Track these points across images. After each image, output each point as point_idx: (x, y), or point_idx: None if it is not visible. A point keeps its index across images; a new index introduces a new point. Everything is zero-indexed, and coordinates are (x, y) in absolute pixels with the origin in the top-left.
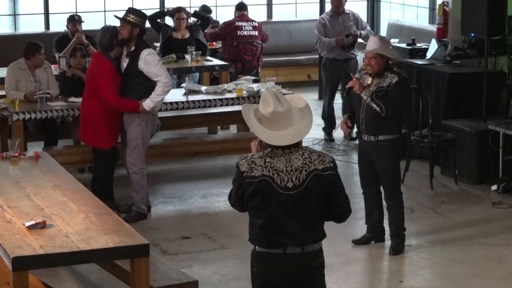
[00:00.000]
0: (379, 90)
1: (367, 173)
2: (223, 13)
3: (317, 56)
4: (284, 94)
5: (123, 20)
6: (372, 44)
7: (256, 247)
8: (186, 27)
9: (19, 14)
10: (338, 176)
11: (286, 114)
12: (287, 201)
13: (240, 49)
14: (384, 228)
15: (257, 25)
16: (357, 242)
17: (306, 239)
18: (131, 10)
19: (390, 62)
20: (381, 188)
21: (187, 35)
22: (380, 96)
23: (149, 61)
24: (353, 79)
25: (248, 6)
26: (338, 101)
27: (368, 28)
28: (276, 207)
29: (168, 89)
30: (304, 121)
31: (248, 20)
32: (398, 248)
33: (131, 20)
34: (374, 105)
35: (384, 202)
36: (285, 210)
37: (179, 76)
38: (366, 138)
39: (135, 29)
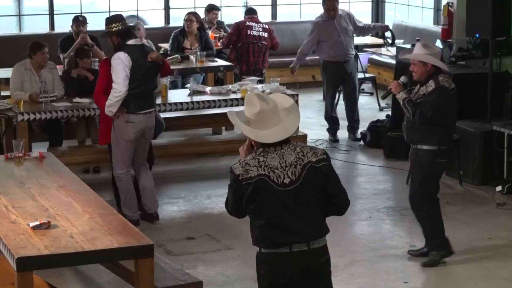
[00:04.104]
0: (417, 98)
1: (413, 183)
2: (228, 13)
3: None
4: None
5: (103, 36)
6: (415, 49)
7: (262, 249)
8: (195, 35)
9: (24, 15)
10: (332, 167)
11: (272, 111)
12: (286, 198)
13: (248, 49)
14: (447, 240)
15: (267, 27)
16: (414, 254)
17: (310, 233)
18: (105, 22)
19: (440, 70)
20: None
21: (196, 44)
22: (413, 101)
23: (112, 66)
24: (393, 81)
25: (252, 8)
26: (340, 101)
27: (363, 23)
28: (276, 205)
29: (116, 95)
30: (291, 117)
31: (258, 22)
32: (430, 259)
33: (107, 31)
34: (405, 110)
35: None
36: (285, 207)
37: (182, 76)
38: (411, 146)
39: (114, 37)
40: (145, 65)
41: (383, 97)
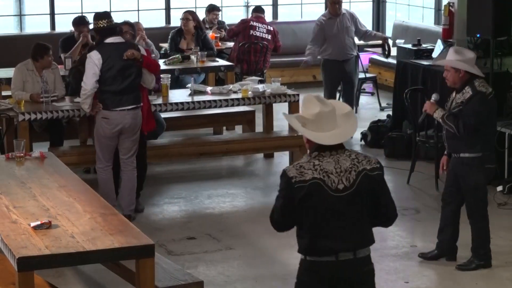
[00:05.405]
0: (455, 106)
1: (449, 186)
2: (229, 14)
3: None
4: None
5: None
6: (448, 55)
7: (307, 256)
8: (192, 34)
9: (25, 15)
10: (384, 177)
11: (331, 114)
12: (339, 203)
13: (249, 48)
14: (456, 247)
15: (271, 29)
16: (424, 257)
17: (357, 242)
18: (93, 17)
19: (475, 76)
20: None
21: (193, 44)
22: (452, 115)
23: (85, 65)
24: (426, 102)
25: (260, 7)
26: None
27: (366, 28)
28: (328, 210)
29: (83, 93)
30: (349, 123)
31: (264, 22)
32: (466, 264)
33: (94, 27)
34: (447, 127)
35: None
36: (336, 213)
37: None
38: (452, 154)
39: (95, 34)
40: (119, 63)
41: (421, 121)
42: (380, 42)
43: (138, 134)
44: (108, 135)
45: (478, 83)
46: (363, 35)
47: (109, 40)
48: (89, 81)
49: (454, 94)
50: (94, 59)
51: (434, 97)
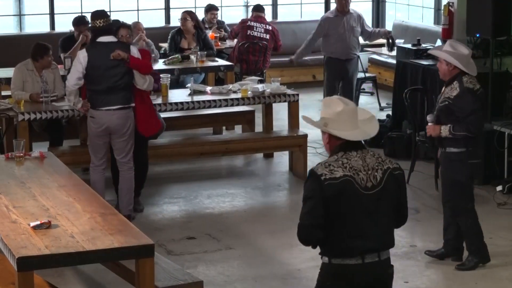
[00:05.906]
0: (443, 100)
1: (443, 185)
2: (228, 14)
3: (322, 56)
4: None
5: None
6: (444, 47)
7: (332, 260)
8: (192, 34)
9: (25, 15)
10: (404, 178)
11: (352, 113)
12: (368, 202)
13: (248, 48)
14: (461, 247)
15: (270, 28)
16: (430, 254)
17: (383, 243)
18: (90, 17)
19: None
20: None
21: (194, 43)
22: (457, 123)
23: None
24: (427, 126)
25: (260, 5)
26: None
27: (371, 28)
28: (358, 209)
29: (66, 91)
30: (371, 124)
31: (262, 22)
32: (465, 264)
33: (91, 26)
34: (459, 137)
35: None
36: (366, 212)
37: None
38: (440, 149)
39: (91, 33)
40: (106, 63)
41: (434, 153)
42: (384, 40)
43: (130, 135)
44: (95, 134)
45: (466, 79)
46: (369, 35)
47: (101, 39)
48: (71, 78)
49: (443, 88)
50: (80, 57)
51: (429, 118)
